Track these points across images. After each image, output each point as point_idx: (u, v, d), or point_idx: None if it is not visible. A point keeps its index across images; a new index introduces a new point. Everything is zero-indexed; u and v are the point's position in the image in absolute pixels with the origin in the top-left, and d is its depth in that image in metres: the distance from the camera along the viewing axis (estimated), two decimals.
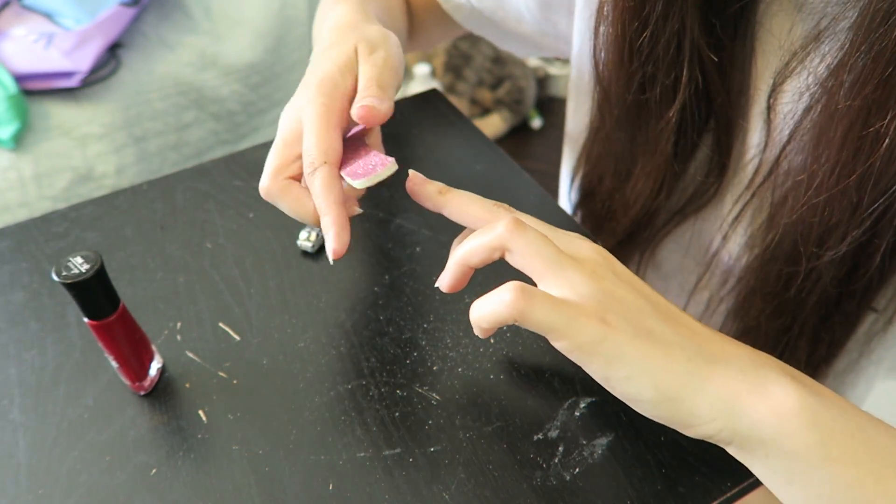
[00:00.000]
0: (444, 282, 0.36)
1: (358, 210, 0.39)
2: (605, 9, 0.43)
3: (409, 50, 0.64)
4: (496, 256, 0.33)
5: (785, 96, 0.40)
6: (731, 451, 0.31)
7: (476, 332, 0.34)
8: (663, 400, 0.30)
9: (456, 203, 0.37)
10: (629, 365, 0.30)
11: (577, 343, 0.30)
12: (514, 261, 0.33)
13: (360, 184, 0.37)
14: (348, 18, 0.44)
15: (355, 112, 0.37)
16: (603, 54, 0.45)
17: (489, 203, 0.36)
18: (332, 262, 0.38)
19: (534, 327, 0.30)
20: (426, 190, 0.37)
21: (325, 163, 0.36)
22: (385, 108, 0.37)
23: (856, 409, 0.31)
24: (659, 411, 0.31)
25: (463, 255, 0.34)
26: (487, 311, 0.31)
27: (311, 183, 0.36)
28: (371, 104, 0.36)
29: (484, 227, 0.34)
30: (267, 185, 0.38)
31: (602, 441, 0.38)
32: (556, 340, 0.30)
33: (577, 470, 0.37)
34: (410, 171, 0.38)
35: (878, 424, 0.30)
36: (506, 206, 0.36)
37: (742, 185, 0.46)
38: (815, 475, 0.29)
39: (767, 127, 0.42)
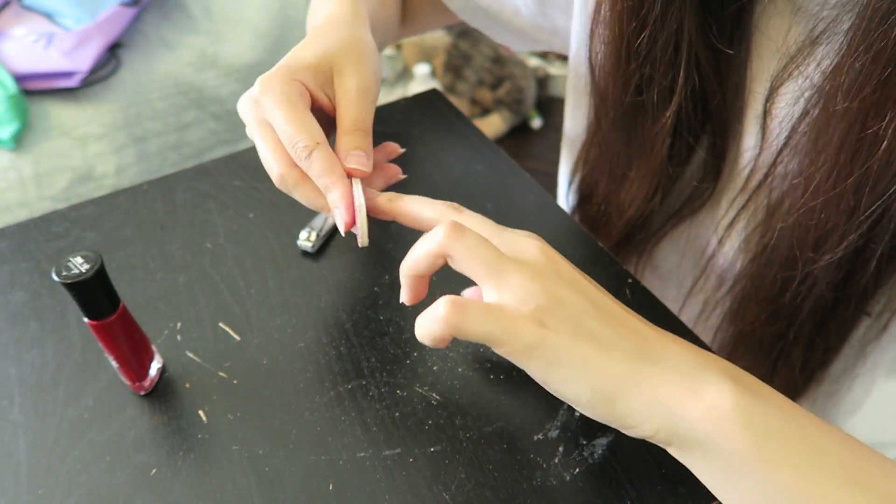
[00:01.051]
0: (404, 297, 0.36)
1: (401, 175, 0.42)
2: (603, 9, 0.43)
3: (401, 36, 0.63)
4: (440, 263, 0.33)
5: (781, 100, 0.40)
6: (671, 452, 0.31)
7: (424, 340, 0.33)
8: (600, 401, 0.30)
9: (406, 208, 0.36)
10: (567, 367, 0.30)
11: (514, 348, 0.30)
12: (457, 266, 0.32)
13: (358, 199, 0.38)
14: (336, 18, 0.43)
15: (345, 165, 0.38)
16: (599, 56, 0.45)
17: (438, 204, 0.36)
18: (344, 234, 0.38)
19: (471, 339, 0.30)
20: (376, 202, 0.37)
21: (318, 143, 0.36)
22: (369, 168, 0.38)
23: (799, 410, 0.30)
24: (597, 412, 0.31)
25: (409, 267, 0.34)
26: (425, 329, 0.31)
27: (310, 166, 0.36)
28: (359, 165, 0.38)
29: (424, 236, 0.33)
30: (284, 171, 0.38)
31: (602, 441, 0.38)
32: (496, 347, 0.30)
33: (577, 470, 0.37)
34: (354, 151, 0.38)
35: (820, 425, 0.30)
36: (456, 205, 0.36)
37: (737, 188, 0.46)
38: (750, 476, 0.29)
39: (763, 131, 0.42)
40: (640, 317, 0.33)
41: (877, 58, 0.31)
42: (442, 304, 0.30)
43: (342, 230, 0.37)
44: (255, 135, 0.39)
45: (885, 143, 0.32)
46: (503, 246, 0.33)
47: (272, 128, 0.38)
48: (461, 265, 0.32)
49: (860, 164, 0.34)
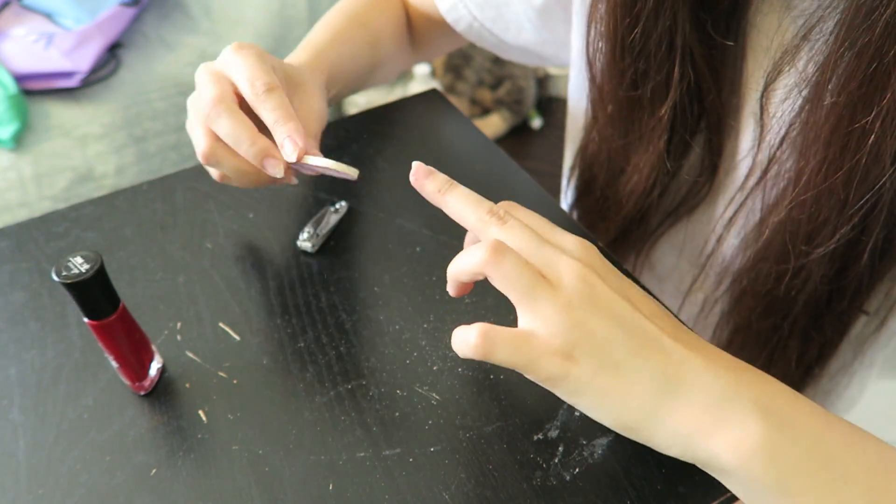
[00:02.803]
0: (450, 290, 0.38)
1: (294, 180, 0.45)
2: (598, 5, 0.43)
3: (413, 63, 0.68)
4: (480, 278, 0.34)
5: (776, 96, 0.40)
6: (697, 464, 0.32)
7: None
8: (622, 429, 0.32)
9: (453, 206, 0.36)
10: (589, 398, 0.31)
11: (539, 377, 0.32)
12: (495, 284, 0.33)
13: (320, 160, 0.41)
14: (300, 65, 0.50)
15: (284, 145, 0.41)
16: (596, 51, 0.46)
17: (483, 210, 0.35)
18: (283, 175, 0.42)
19: (499, 364, 0.32)
20: (427, 188, 0.37)
21: (276, 87, 0.40)
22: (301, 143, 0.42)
23: (828, 428, 0.30)
24: (621, 432, 0.32)
25: (453, 273, 0.36)
26: (457, 349, 0.33)
27: (265, 101, 0.40)
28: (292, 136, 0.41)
29: (469, 249, 0.34)
30: (211, 103, 0.42)
31: (602, 441, 0.38)
32: (524, 373, 0.32)
33: (577, 470, 0.37)
34: (414, 163, 0.37)
35: (849, 445, 0.30)
36: (501, 211, 0.35)
37: (734, 186, 0.46)
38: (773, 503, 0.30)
39: (759, 128, 0.42)
40: (676, 323, 0.33)
41: (861, 53, 0.32)
42: (474, 334, 0.31)
43: (293, 156, 0.40)
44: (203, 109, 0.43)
45: (873, 136, 0.33)
46: (543, 262, 0.33)
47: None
48: (498, 286, 0.33)
49: (849, 157, 0.34)
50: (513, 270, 0.32)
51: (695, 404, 0.30)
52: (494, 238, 0.33)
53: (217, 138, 0.43)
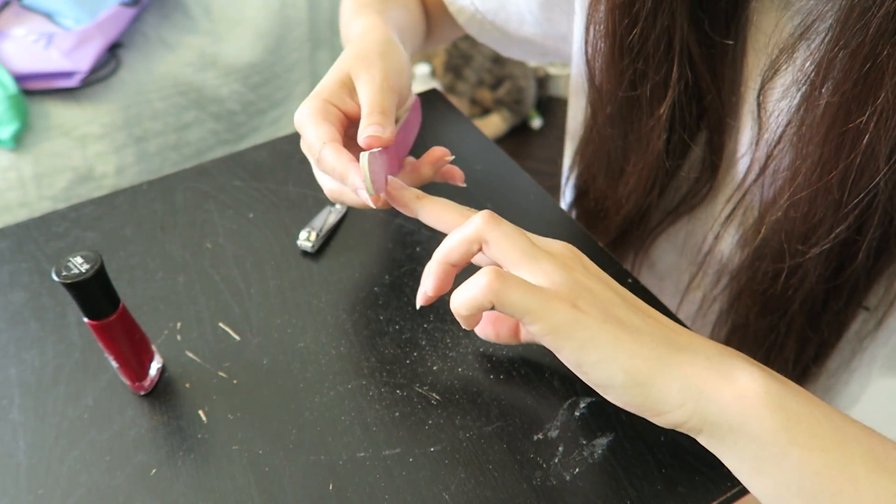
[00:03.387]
0: (429, 284, 0.36)
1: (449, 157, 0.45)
2: (597, 6, 0.43)
3: (424, 49, 0.66)
4: (475, 249, 0.34)
5: (773, 94, 0.40)
6: (702, 440, 0.32)
7: (460, 322, 0.34)
8: (633, 384, 0.31)
9: (431, 209, 0.38)
10: (600, 348, 0.31)
11: (550, 325, 0.31)
12: (491, 252, 0.34)
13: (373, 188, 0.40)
14: (359, 32, 0.46)
15: (362, 140, 0.39)
16: (594, 51, 0.46)
17: (464, 208, 0.37)
18: (375, 205, 0.40)
19: (509, 309, 0.31)
20: (403, 196, 0.38)
21: (325, 143, 0.39)
22: (387, 136, 0.39)
23: (821, 401, 0.31)
24: (630, 397, 0.31)
25: (443, 253, 0.35)
26: (466, 296, 0.32)
27: (322, 161, 0.39)
28: (374, 133, 0.39)
29: (461, 225, 0.35)
30: (328, 189, 0.42)
31: (602, 441, 0.38)
32: (531, 323, 0.31)
33: (577, 470, 0.37)
34: (389, 178, 0.39)
35: (844, 416, 0.31)
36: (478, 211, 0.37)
37: (734, 184, 0.46)
38: (783, 462, 0.29)
39: (758, 126, 0.42)
40: (683, 320, 0.36)
41: (856, 53, 0.32)
42: (485, 272, 0.31)
43: (373, 205, 0.39)
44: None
45: (868, 136, 0.33)
46: (533, 240, 0.35)
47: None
48: (496, 250, 0.33)
49: (844, 157, 0.35)
50: (512, 230, 0.34)
51: (699, 358, 0.31)
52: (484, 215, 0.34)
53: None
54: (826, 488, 0.29)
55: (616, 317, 0.32)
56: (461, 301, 0.32)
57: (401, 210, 0.39)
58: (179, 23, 1.32)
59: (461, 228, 0.34)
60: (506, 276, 0.31)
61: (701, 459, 0.37)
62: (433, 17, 0.63)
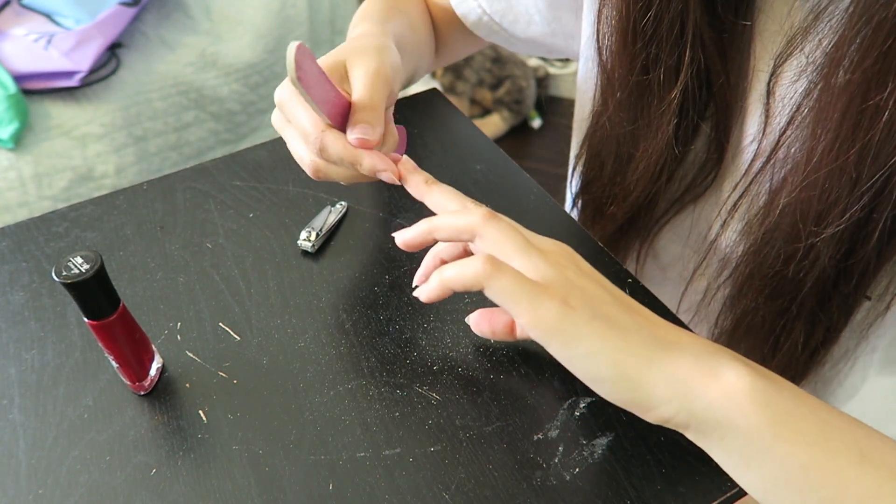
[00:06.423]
0: (409, 233, 0.37)
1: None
2: None
3: (436, 66, 0.67)
4: (464, 238, 0.35)
5: (784, 78, 0.40)
6: (689, 435, 0.32)
7: (435, 292, 0.35)
8: (622, 379, 0.31)
9: (437, 195, 0.39)
10: (587, 343, 0.32)
11: (538, 319, 0.32)
12: (484, 246, 0.34)
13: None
14: (360, 34, 0.48)
15: (351, 140, 0.40)
16: (606, 37, 0.46)
17: (467, 199, 0.38)
18: (400, 181, 0.41)
19: (498, 296, 0.32)
20: (414, 177, 0.40)
21: (323, 130, 0.39)
22: (376, 137, 0.40)
23: (808, 394, 0.32)
24: (618, 392, 0.32)
25: (433, 224, 0.36)
26: (458, 272, 0.33)
27: (326, 150, 0.39)
28: (363, 136, 0.39)
29: (461, 211, 0.36)
30: (312, 161, 0.41)
31: (602, 441, 0.38)
32: (520, 315, 0.32)
33: (577, 470, 0.37)
34: (403, 157, 0.40)
35: (830, 408, 0.31)
36: (483, 206, 0.38)
37: (740, 171, 0.46)
38: (768, 456, 0.30)
39: (766, 113, 0.42)
40: (652, 313, 0.35)
41: (878, 29, 0.32)
42: (480, 256, 0.32)
43: (396, 182, 0.40)
44: (284, 136, 0.43)
45: (887, 113, 0.33)
46: (528, 238, 0.36)
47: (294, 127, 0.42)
48: (490, 244, 0.34)
49: (862, 135, 0.35)
50: (508, 227, 0.35)
51: (686, 355, 0.32)
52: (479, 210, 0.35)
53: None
54: (812, 481, 0.29)
55: (605, 314, 0.32)
56: (451, 275, 0.33)
57: (409, 190, 0.40)
58: (179, 23, 1.32)
59: (458, 214, 0.35)
60: (500, 264, 0.32)
61: (701, 459, 0.37)
62: (443, 29, 0.64)
